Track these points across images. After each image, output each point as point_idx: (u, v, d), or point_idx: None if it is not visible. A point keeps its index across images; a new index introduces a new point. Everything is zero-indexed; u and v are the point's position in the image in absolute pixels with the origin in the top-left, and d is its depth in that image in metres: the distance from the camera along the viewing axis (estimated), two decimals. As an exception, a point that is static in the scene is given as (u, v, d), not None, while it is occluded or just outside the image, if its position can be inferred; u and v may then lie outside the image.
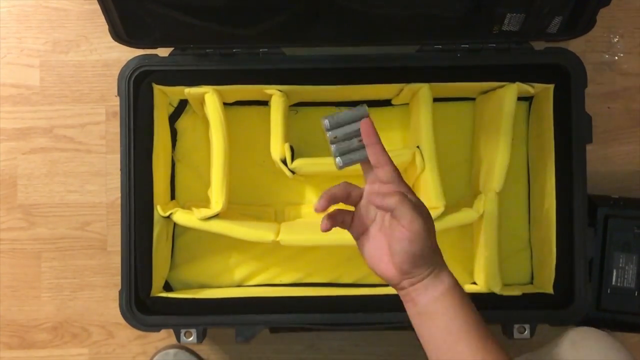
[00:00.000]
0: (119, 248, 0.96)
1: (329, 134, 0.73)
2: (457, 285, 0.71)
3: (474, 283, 1.05)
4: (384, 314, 0.95)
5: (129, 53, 0.95)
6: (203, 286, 1.05)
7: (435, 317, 0.71)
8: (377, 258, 0.73)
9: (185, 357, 1.05)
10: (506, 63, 0.96)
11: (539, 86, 0.98)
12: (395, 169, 0.72)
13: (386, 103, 1.06)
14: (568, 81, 0.95)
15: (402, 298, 0.73)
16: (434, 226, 0.71)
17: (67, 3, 1.11)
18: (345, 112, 0.74)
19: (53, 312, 1.11)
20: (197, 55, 0.95)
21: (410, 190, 0.72)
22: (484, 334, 0.70)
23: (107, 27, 0.89)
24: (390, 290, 0.99)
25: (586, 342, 0.85)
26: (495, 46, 0.95)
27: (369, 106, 1.05)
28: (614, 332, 1.00)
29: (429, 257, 0.70)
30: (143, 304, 0.96)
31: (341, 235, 0.97)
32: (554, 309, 0.96)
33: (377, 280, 1.05)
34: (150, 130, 0.98)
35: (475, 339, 0.69)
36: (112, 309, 1.10)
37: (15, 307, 1.11)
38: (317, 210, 0.72)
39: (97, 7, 0.85)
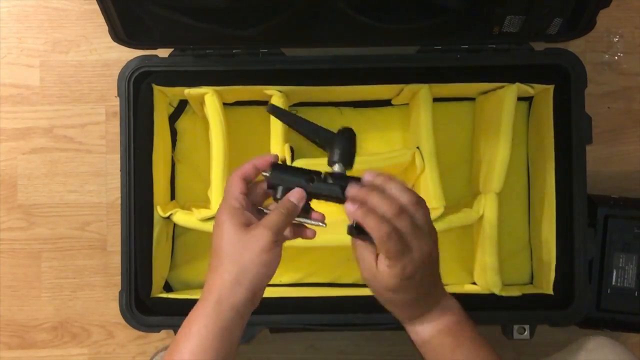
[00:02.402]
0: (119, 248, 0.96)
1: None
2: (459, 323, 0.70)
3: (474, 283, 1.05)
4: (384, 314, 0.94)
5: (128, 53, 0.95)
6: (203, 286, 1.04)
7: (437, 353, 0.70)
8: (378, 293, 0.72)
9: (185, 357, 1.05)
10: (506, 64, 0.96)
11: (539, 87, 0.98)
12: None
13: (386, 103, 1.06)
14: (568, 82, 0.95)
15: (406, 327, 0.73)
16: (433, 254, 0.68)
17: (67, 3, 1.11)
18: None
19: (53, 312, 1.11)
20: (196, 55, 0.95)
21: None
22: None
23: (107, 27, 0.89)
24: (390, 291, 1.00)
25: (600, 351, 0.83)
26: (495, 47, 0.95)
27: (369, 106, 1.06)
28: (614, 332, 1.00)
29: (418, 294, 0.68)
30: (143, 304, 0.96)
31: (341, 236, 0.98)
32: (554, 310, 0.96)
33: (377, 281, 1.05)
34: (150, 131, 0.98)
35: None
36: (112, 309, 1.10)
37: (15, 307, 1.11)
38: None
39: (97, 7, 0.85)
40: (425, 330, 0.70)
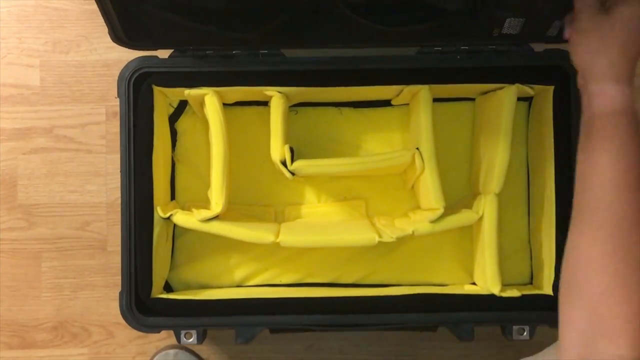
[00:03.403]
0: (119, 248, 0.96)
1: None
2: (621, 113, 0.69)
3: (473, 284, 1.05)
4: (384, 314, 0.96)
5: (129, 53, 0.95)
6: (203, 287, 1.05)
7: (591, 139, 0.69)
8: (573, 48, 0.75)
9: (185, 357, 1.05)
10: (506, 65, 0.96)
11: (539, 87, 0.98)
12: None
13: (386, 103, 1.06)
14: (568, 82, 0.95)
15: None
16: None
17: (67, 3, 1.11)
18: None
19: (53, 312, 1.11)
20: (196, 56, 0.95)
21: None
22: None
23: (107, 27, 0.89)
24: (390, 291, 1.00)
25: None
26: (495, 48, 0.95)
27: (369, 106, 1.06)
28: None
29: (603, 58, 0.70)
30: (143, 304, 0.96)
31: (341, 236, 0.98)
32: (554, 310, 0.96)
33: (377, 281, 1.06)
34: (150, 131, 0.97)
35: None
36: (112, 309, 1.10)
37: (15, 307, 1.11)
38: None
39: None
40: (590, 105, 0.70)
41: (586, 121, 0.72)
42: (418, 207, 1.03)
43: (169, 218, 0.99)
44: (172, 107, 1.05)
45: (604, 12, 0.72)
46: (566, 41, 0.80)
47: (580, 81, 0.76)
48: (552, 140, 0.97)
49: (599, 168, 0.68)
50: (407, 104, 1.05)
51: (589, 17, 0.73)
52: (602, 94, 0.71)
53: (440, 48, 0.95)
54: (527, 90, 0.97)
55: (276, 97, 0.97)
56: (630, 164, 0.67)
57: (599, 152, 0.69)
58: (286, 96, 0.98)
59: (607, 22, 0.71)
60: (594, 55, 0.72)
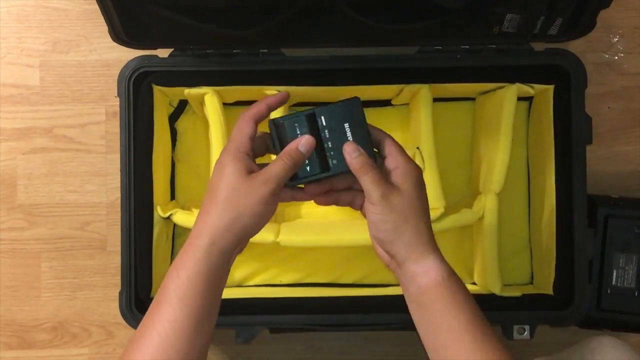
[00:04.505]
0: (119, 248, 0.96)
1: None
2: (448, 279, 0.68)
3: (474, 283, 1.05)
4: (384, 314, 0.95)
5: (129, 53, 0.95)
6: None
7: (426, 310, 0.68)
8: (372, 237, 0.72)
9: (185, 357, 1.05)
10: (506, 64, 0.96)
11: (539, 87, 0.98)
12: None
13: (386, 103, 1.06)
14: (568, 82, 0.95)
15: (400, 282, 0.71)
16: (419, 202, 0.70)
17: (67, 3, 1.11)
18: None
19: (53, 312, 1.11)
20: (197, 56, 0.95)
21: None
22: (483, 333, 0.67)
23: (107, 27, 0.89)
24: (390, 291, 1.00)
25: (606, 351, 0.82)
26: (495, 47, 0.95)
27: (369, 106, 1.06)
28: (614, 333, 1.00)
29: (402, 236, 0.68)
30: (143, 304, 0.96)
31: (341, 236, 0.98)
32: (554, 310, 0.96)
33: (377, 281, 1.06)
34: (150, 131, 0.98)
35: (472, 338, 0.66)
36: (112, 309, 1.10)
37: (15, 307, 1.11)
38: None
39: (97, 7, 0.85)
40: (413, 286, 0.68)
41: (414, 297, 0.70)
42: (418, 207, 1.03)
43: (168, 218, 0.99)
44: (172, 106, 1.05)
45: (391, 185, 0.70)
46: (566, 40, 0.79)
47: (391, 265, 0.72)
48: (552, 140, 0.97)
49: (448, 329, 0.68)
50: (407, 104, 1.05)
51: (380, 196, 0.69)
52: (428, 270, 0.69)
53: (440, 47, 0.95)
54: (528, 89, 0.97)
55: (276, 97, 0.96)
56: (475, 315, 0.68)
57: (445, 317, 0.68)
58: (286, 96, 0.98)
59: (398, 196, 0.69)
60: (400, 233, 0.69)
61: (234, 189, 0.67)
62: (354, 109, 0.72)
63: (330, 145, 0.72)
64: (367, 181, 0.69)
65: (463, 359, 0.66)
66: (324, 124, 0.72)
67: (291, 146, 0.70)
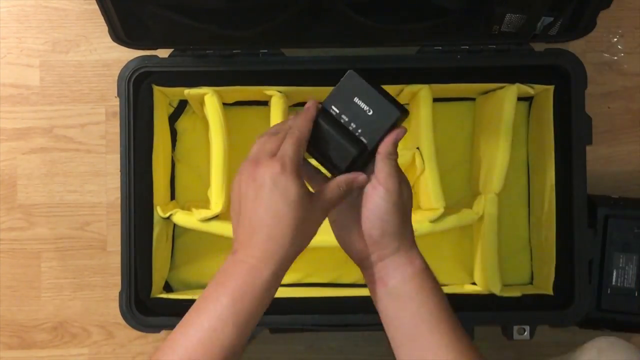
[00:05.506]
0: (119, 248, 0.96)
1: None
2: (428, 269, 0.69)
3: (474, 284, 1.05)
4: (384, 314, 0.95)
5: (129, 53, 0.95)
6: (203, 287, 1.03)
7: (406, 300, 0.68)
8: (348, 229, 0.71)
9: (185, 357, 1.05)
10: (506, 64, 0.96)
11: (539, 87, 0.98)
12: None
13: (386, 103, 1.05)
14: (568, 82, 0.95)
15: (369, 280, 0.70)
16: (410, 199, 0.70)
17: (67, 3, 1.11)
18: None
19: (53, 312, 1.11)
20: (196, 56, 0.95)
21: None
22: (456, 324, 0.68)
23: (107, 27, 0.89)
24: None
25: (613, 351, 0.82)
26: (495, 47, 0.95)
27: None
28: (614, 333, 1.00)
29: (399, 226, 0.68)
30: (143, 304, 0.96)
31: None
32: (554, 310, 0.96)
33: (377, 281, 1.05)
34: (150, 131, 0.97)
35: (448, 328, 0.67)
36: (112, 309, 1.10)
37: (15, 307, 1.11)
38: None
39: (97, 7, 0.85)
40: (393, 277, 0.68)
41: (394, 288, 0.69)
42: (418, 207, 1.03)
43: (168, 218, 0.99)
44: (172, 106, 1.05)
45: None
46: (566, 41, 0.79)
47: (367, 260, 0.71)
48: (552, 140, 0.97)
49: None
50: (407, 104, 1.05)
51: (398, 183, 0.69)
52: (414, 259, 0.69)
53: (440, 47, 0.95)
54: (528, 89, 0.97)
55: (276, 97, 0.97)
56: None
57: (425, 305, 0.68)
58: (286, 96, 0.98)
59: (407, 189, 0.71)
60: (402, 222, 0.69)
61: (304, 219, 0.66)
62: (355, 81, 0.73)
63: (355, 126, 0.71)
64: (390, 165, 0.69)
65: (444, 343, 0.66)
66: (337, 111, 0.72)
67: (349, 177, 0.69)
